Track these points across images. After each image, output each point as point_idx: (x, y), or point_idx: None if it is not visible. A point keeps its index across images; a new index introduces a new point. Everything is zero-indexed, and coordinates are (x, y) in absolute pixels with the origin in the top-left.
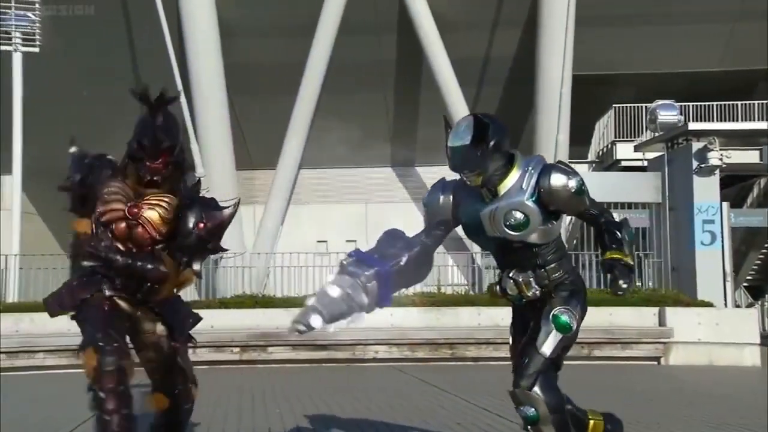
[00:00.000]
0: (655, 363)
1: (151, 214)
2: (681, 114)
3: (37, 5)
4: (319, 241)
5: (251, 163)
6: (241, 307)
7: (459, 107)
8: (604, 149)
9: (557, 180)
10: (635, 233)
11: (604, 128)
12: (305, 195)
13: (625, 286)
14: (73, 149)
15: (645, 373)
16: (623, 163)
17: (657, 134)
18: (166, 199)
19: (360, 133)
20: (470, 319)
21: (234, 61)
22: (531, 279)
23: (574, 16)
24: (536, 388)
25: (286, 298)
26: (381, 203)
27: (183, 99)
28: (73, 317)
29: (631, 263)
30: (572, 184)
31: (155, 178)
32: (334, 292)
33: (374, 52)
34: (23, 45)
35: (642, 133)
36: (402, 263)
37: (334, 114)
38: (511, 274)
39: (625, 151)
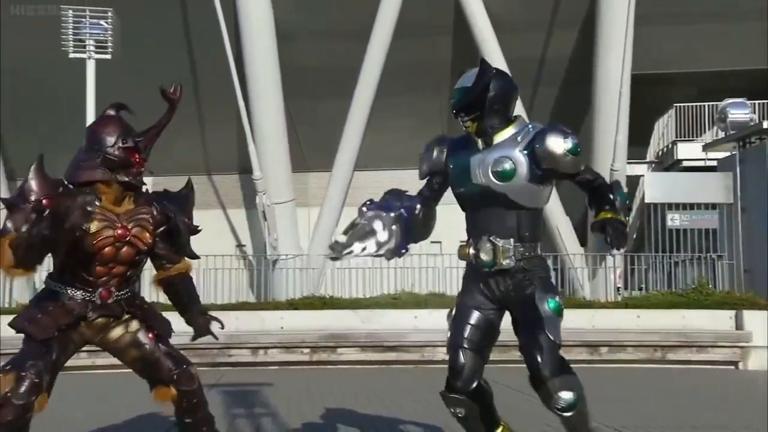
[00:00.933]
0: (733, 367)
1: (138, 231)
2: (753, 112)
3: (110, 14)
4: None
5: (305, 165)
6: (309, 308)
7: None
8: (664, 149)
9: (554, 137)
10: (705, 234)
11: (663, 128)
12: (360, 196)
13: (618, 247)
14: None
15: (724, 377)
16: (684, 164)
17: (728, 133)
18: (143, 212)
19: (414, 134)
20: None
21: (289, 65)
22: (510, 247)
23: (633, 15)
24: (565, 374)
25: (354, 299)
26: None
27: (241, 103)
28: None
29: (625, 222)
30: (569, 143)
31: (134, 182)
32: (368, 227)
33: (429, 54)
34: (96, 52)
35: (704, 132)
36: (416, 211)
37: (388, 115)
38: (491, 237)
39: (686, 150)
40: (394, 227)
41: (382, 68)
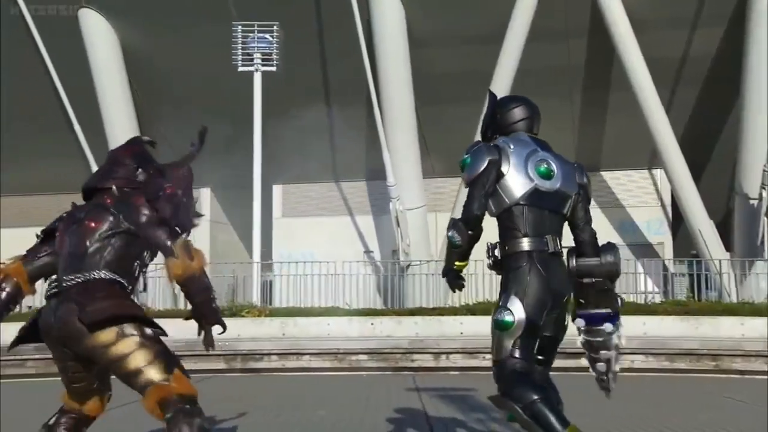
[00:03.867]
0: None
1: None
2: None
3: (275, 28)
4: None
5: (434, 171)
6: (487, 314)
7: (654, 109)
8: None
9: None
10: None
11: None
12: None
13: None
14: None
15: None
16: None
17: None
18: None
19: (545, 138)
20: (732, 329)
21: (420, 71)
22: (489, 248)
23: None
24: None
25: None
26: None
27: (376, 110)
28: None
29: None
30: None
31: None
32: None
33: (563, 57)
34: (263, 65)
35: None
36: None
37: None
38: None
39: None
40: None
41: (515, 72)
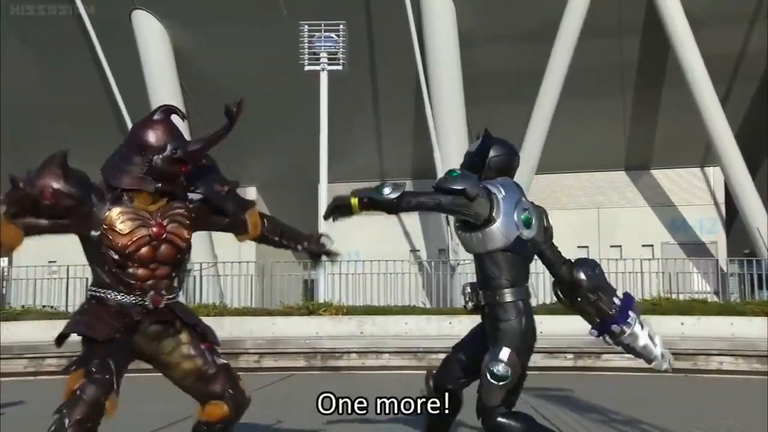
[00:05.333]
0: None
1: (174, 227)
2: None
3: (341, 27)
4: None
5: None
6: (568, 313)
7: (710, 105)
8: None
9: None
10: None
11: None
12: (540, 200)
13: None
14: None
15: None
16: None
17: None
18: (177, 206)
19: (594, 136)
20: None
21: (470, 70)
22: (469, 291)
23: None
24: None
25: None
26: (613, 208)
27: (428, 110)
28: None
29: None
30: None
31: (176, 193)
32: None
33: (616, 55)
34: (329, 64)
35: None
36: None
37: (569, 118)
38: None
39: None
40: None
41: (566, 71)
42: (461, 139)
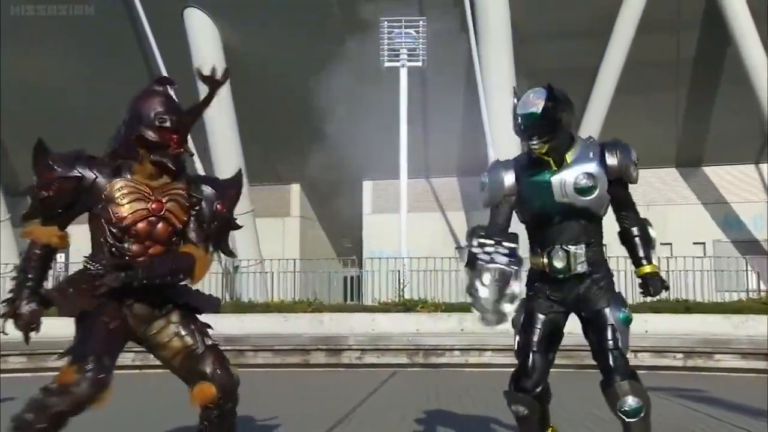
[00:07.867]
0: None
1: (172, 206)
2: None
3: (421, 23)
4: None
5: None
6: (672, 312)
7: None
8: None
9: (626, 151)
10: None
11: None
12: None
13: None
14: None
15: None
16: None
17: None
18: (179, 188)
19: (647, 132)
20: None
21: (523, 66)
22: (582, 253)
23: None
24: (634, 381)
25: (716, 303)
26: (663, 205)
27: (483, 106)
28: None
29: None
30: (634, 156)
31: (170, 165)
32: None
33: (672, 50)
34: (409, 60)
35: None
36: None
37: (622, 114)
38: (564, 246)
39: None
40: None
41: (622, 66)
42: (514, 136)
